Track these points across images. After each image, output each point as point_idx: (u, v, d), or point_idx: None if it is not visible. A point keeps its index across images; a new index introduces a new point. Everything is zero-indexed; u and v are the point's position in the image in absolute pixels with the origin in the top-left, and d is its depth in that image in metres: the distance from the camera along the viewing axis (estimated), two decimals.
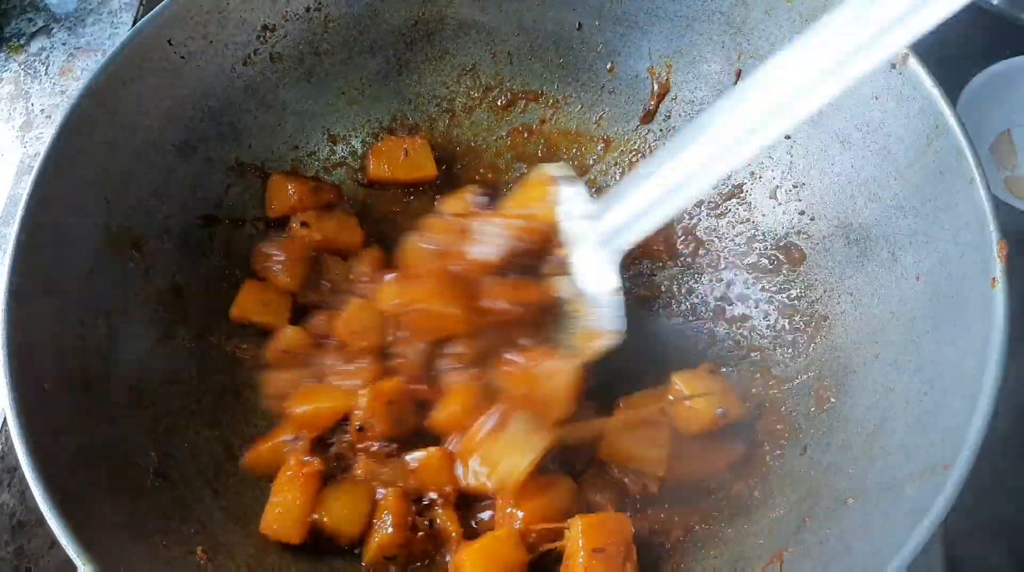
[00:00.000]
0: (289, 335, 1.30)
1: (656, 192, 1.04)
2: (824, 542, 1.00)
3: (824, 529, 1.02)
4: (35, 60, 1.63)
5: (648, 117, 1.44)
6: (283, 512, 1.14)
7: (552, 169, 1.20)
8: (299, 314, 1.33)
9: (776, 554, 1.04)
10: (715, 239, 1.40)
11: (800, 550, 1.02)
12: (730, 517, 1.14)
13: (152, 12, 1.23)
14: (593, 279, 1.11)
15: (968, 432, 0.89)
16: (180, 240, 1.30)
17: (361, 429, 1.18)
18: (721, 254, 1.38)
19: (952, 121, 1.05)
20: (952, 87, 1.45)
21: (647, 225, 1.07)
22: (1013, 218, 1.39)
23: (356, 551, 1.17)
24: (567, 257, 1.13)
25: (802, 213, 1.30)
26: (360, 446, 1.20)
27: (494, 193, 1.41)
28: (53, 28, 1.63)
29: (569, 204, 1.14)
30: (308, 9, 1.36)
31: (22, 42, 1.60)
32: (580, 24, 1.42)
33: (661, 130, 1.44)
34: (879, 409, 1.08)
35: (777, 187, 1.33)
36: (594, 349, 1.10)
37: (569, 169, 1.19)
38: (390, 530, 1.13)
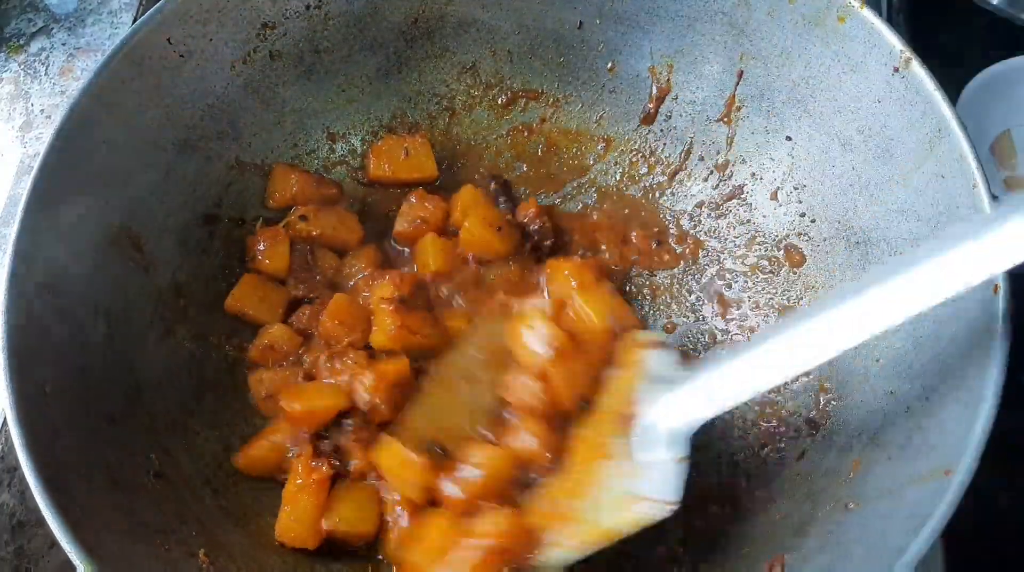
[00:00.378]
0: (274, 332, 1.30)
1: (743, 371, 0.99)
2: (824, 547, 1.01)
3: (824, 534, 1.02)
4: (35, 60, 1.62)
5: (649, 119, 1.44)
6: (297, 520, 1.15)
7: (647, 335, 1.16)
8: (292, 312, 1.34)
9: (776, 558, 1.04)
10: (715, 240, 1.40)
11: (800, 554, 1.03)
12: (730, 521, 1.15)
13: (151, 10, 1.22)
14: (657, 449, 1.03)
15: (969, 438, 0.90)
16: (180, 239, 1.29)
17: (365, 414, 1.20)
18: (721, 255, 1.38)
19: (954, 125, 1.05)
20: (952, 87, 1.45)
21: (729, 402, 1.01)
22: None
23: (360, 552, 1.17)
24: (635, 419, 1.06)
25: (803, 215, 1.30)
26: (355, 438, 1.20)
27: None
28: (53, 28, 1.62)
29: (655, 370, 1.10)
30: (308, 7, 1.35)
31: (22, 42, 1.59)
32: (581, 23, 1.41)
33: (662, 130, 1.44)
34: (879, 413, 1.08)
35: (778, 189, 1.33)
36: (638, 516, 1.00)
37: (661, 335, 1.16)
38: (406, 523, 1.14)
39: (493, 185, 1.45)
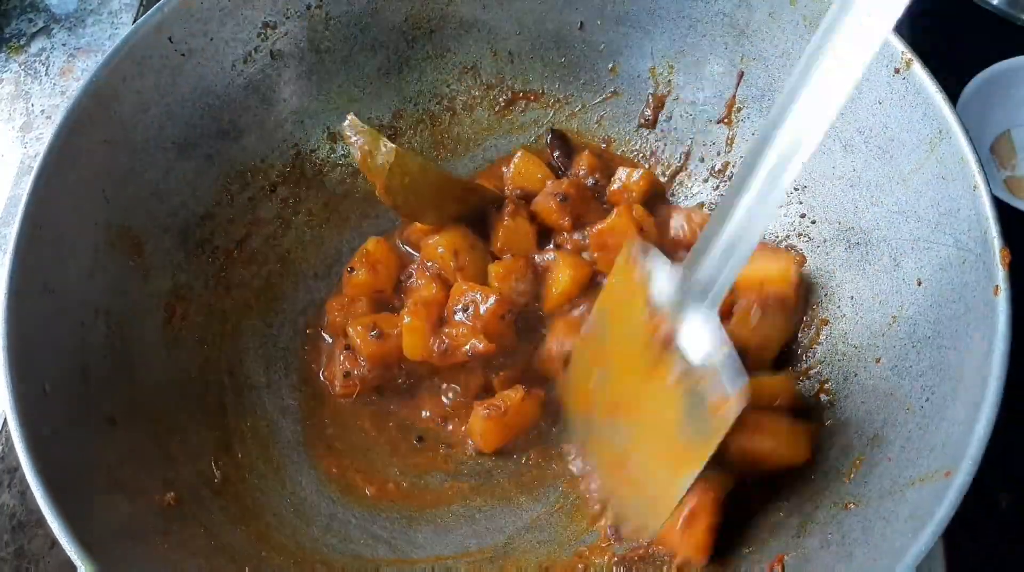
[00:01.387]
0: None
1: (727, 236, 0.98)
2: (825, 547, 1.01)
3: (825, 534, 1.02)
4: (35, 60, 1.62)
5: (649, 120, 1.44)
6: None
7: (635, 247, 1.13)
8: None
9: (777, 558, 1.04)
10: None
11: (801, 555, 1.03)
12: (730, 522, 1.14)
13: (152, 9, 1.22)
14: (702, 344, 1.02)
15: (970, 439, 0.89)
16: (180, 239, 1.29)
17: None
18: None
19: (955, 126, 1.05)
20: (952, 87, 1.45)
21: (731, 272, 0.99)
22: (1013, 218, 1.39)
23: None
24: (669, 334, 1.05)
25: (803, 216, 1.30)
26: None
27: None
28: (53, 28, 1.62)
29: (660, 279, 1.07)
30: (309, 7, 1.35)
31: (22, 42, 1.58)
32: (582, 23, 1.42)
33: (662, 131, 1.44)
34: (880, 414, 1.08)
35: None
36: (725, 418, 0.99)
37: (645, 244, 1.12)
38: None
39: (550, 137, 1.47)
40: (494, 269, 1.31)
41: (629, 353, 1.13)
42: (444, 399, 1.31)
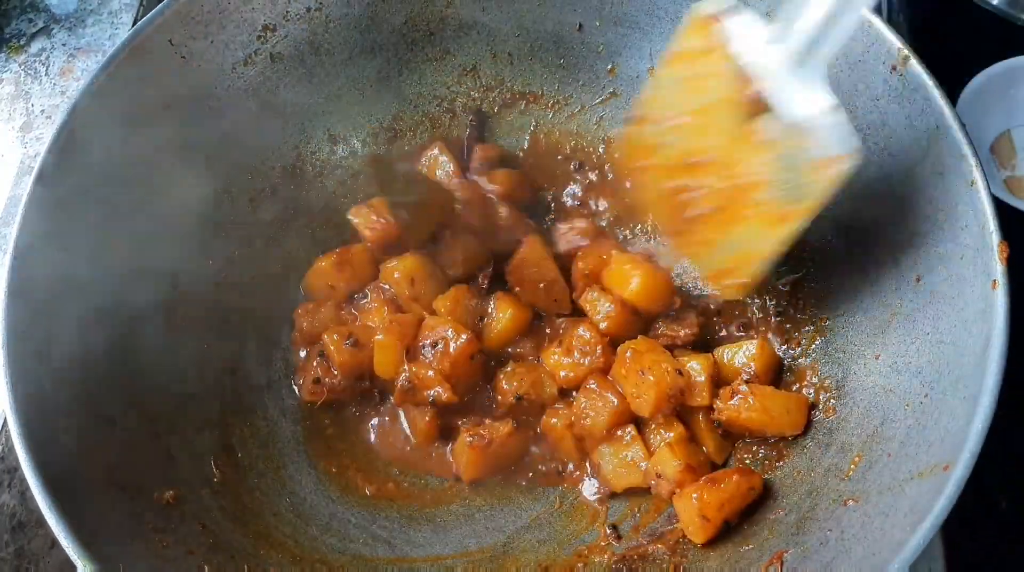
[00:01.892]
0: None
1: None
2: (824, 543, 1.00)
3: (824, 530, 1.02)
4: (35, 61, 1.63)
5: None
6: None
7: (709, 5, 1.05)
8: None
9: (776, 555, 1.04)
10: None
11: (800, 551, 1.02)
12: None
13: (153, 12, 1.23)
14: (804, 103, 0.97)
15: (968, 433, 0.89)
16: (181, 241, 1.30)
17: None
18: None
19: (953, 123, 1.05)
20: (952, 87, 1.45)
21: (843, 29, 0.95)
22: (1013, 218, 1.39)
23: None
24: (761, 94, 0.99)
25: None
26: None
27: None
28: (53, 29, 1.63)
29: (743, 38, 1.01)
30: (309, 9, 1.36)
31: (22, 42, 1.59)
32: (581, 25, 1.42)
33: None
34: (879, 410, 1.08)
35: None
36: (833, 177, 0.97)
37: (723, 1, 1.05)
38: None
39: (471, 118, 1.48)
40: (441, 302, 1.29)
41: (710, 115, 1.07)
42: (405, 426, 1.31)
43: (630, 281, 1.25)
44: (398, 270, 1.32)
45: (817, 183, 0.98)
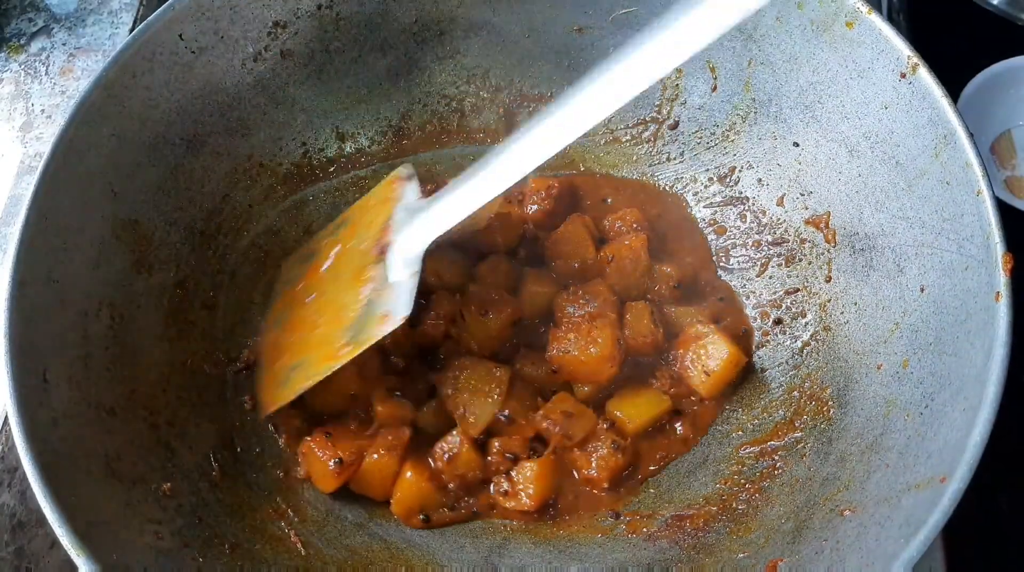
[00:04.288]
0: None
1: (468, 190, 1.14)
2: (819, 552, 1.00)
3: (820, 540, 1.01)
4: (35, 60, 1.63)
5: (656, 123, 1.44)
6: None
7: (404, 170, 1.32)
8: None
9: (771, 564, 1.03)
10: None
11: (795, 560, 1.02)
12: (726, 526, 1.14)
13: (164, 6, 1.23)
14: (400, 267, 1.18)
15: (967, 445, 0.89)
16: (186, 234, 1.31)
17: None
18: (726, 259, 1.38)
19: (960, 132, 1.04)
20: (952, 87, 1.45)
21: (451, 220, 1.16)
22: (1013, 218, 1.37)
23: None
24: (386, 247, 1.21)
25: (808, 221, 1.29)
26: None
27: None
28: (53, 28, 1.63)
29: (404, 199, 1.26)
30: (319, 7, 1.36)
31: (22, 42, 1.60)
32: (591, 26, 1.42)
33: (670, 134, 1.43)
34: (879, 420, 1.07)
35: (784, 195, 1.32)
36: (381, 331, 1.13)
37: (412, 170, 1.32)
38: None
39: None
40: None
41: (355, 253, 1.26)
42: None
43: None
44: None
45: (371, 331, 1.14)
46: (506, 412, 1.22)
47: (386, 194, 1.30)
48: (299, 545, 1.16)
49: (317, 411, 1.27)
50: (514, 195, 1.43)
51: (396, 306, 1.14)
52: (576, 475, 1.23)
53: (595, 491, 1.22)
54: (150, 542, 1.05)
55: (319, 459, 1.20)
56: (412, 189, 1.27)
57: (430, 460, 1.23)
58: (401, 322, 1.12)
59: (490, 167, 1.12)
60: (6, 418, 1.11)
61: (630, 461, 1.23)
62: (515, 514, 1.21)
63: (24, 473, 0.98)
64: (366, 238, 1.26)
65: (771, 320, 1.30)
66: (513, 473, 1.21)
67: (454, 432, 1.23)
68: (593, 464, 1.21)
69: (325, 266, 1.30)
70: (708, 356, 1.25)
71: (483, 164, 1.12)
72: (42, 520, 0.95)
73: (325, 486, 1.21)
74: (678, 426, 1.26)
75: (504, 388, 1.23)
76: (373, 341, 1.13)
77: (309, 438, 1.23)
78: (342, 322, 1.20)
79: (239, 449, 1.24)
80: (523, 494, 1.19)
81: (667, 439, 1.26)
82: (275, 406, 1.22)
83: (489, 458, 1.23)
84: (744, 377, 1.28)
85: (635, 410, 1.24)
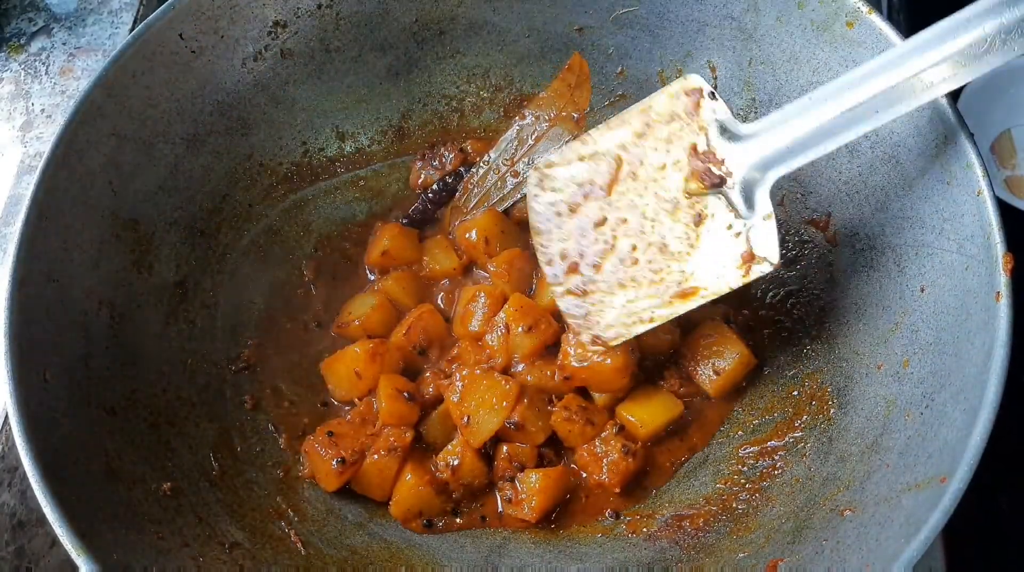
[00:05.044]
0: None
1: (819, 122, 1.03)
2: (819, 552, 1.00)
3: (820, 540, 1.01)
4: (35, 60, 1.63)
5: None
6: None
7: (699, 80, 1.13)
8: None
9: (771, 564, 1.03)
10: None
11: (795, 560, 1.02)
12: (726, 526, 1.14)
13: (164, 5, 1.23)
14: (750, 202, 1.09)
15: (967, 445, 0.88)
16: (187, 233, 1.30)
17: None
18: None
19: (961, 131, 1.04)
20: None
21: (804, 159, 1.06)
22: (1013, 218, 1.38)
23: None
24: (723, 176, 1.10)
25: (808, 221, 1.29)
26: None
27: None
28: (53, 28, 1.63)
29: (720, 122, 1.11)
30: (319, 6, 1.36)
31: (22, 42, 1.60)
32: (592, 26, 1.42)
33: None
34: (879, 420, 1.07)
35: (784, 195, 1.32)
36: (749, 274, 1.09)
37: (703, 82, 1.13)
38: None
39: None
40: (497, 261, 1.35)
41: (656, 170, 1.15)
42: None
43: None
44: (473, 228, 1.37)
45: (733, 274, 1.09)
46: (515, 418, 1.21)
47: (672, 109, 1.14)
48: (299, 545, 1.16)
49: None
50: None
51: (766, 250, 1.07)
52: (587, 479, 1.24)
53: (607, 496, 1.23)
54: (150, 542, 1.05)
55: (322, 458, 1.20)
56: (720, 107, 1.11)
57: (433, 469, 1.23)
58: (774, 268, 1.07)
59: (869, 85, 0.98)
60: (6, 418, 1.11)
61: (641, 465, 1.23)
62: (516, 522, 1.21)
63: (24, 473, 0.98)
64: (668, 160, 1.14)
65: (772, 320, 1.30)
66: (518, 481, 1.21)
67: (455, 441, 1.23)
68: (604, 469, 1.21)
69: (607, 182, 1.19)
70: (719, 356, 1.25)
71: (854, 80, 0.99)
72: (42, 519, 0.95)
73: (328, 485, 1.21)
74: (688, 431, 1.26)
75: (511, 401, 1.22)
76: (737, 285, 1.09)
77: (311, 437, 1.23)
78: (673, 259, 1.14)
79: (239, 449, 1.24)
80: (526, 505, 1.19)
81: (677, 442, 1.26)
82: (618, 342, 1.18)
83: (496, 463, 1.23)
84: (748, 378, 1.28)
85: (647, 415, 1.24)
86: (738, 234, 1.09)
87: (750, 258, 1.08)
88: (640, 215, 1.16)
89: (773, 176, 1.08)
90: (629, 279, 1.17)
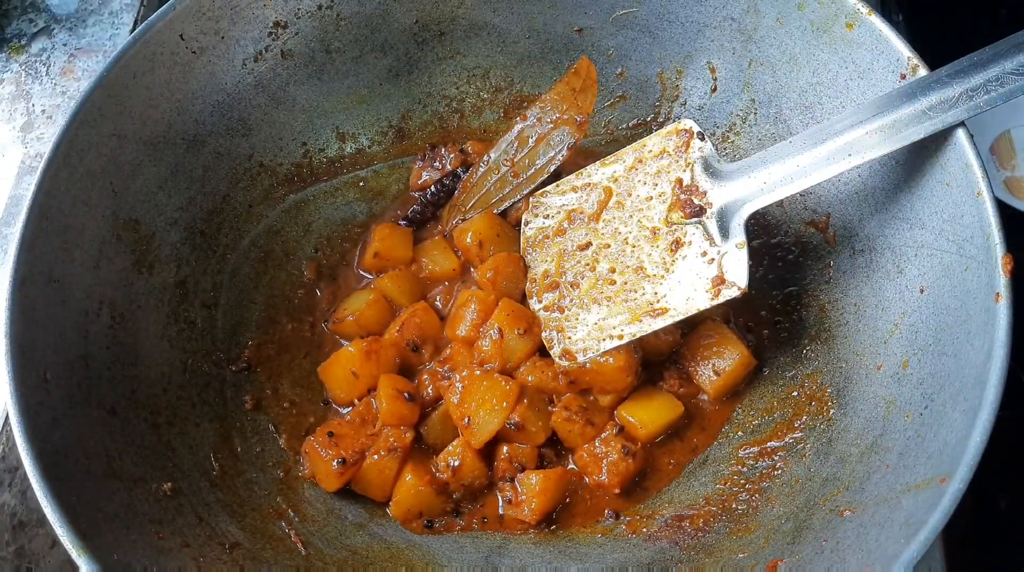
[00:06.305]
0: None
1: (785, 171, 1.13)
2: (819, 553, 1.00)
3: (820, 540, 1.01)
4: (36, 61, 1.63)
5: (657, 124, 1.44)
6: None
7: (691, 123, 1.25)
8: None
9: (771, 564, 1.03)
10: None
11: (795, 560, 1.02)
12: (726, 526, 1.14)
13: (165, 6, 1.23)
14: (725, 232, 1.17)
15: (967, 446, 0.89)
16: (187, 233, 1.31)
17: None
18: None
19: (960, 133, 1.04)
20: None
21: (776, 196, 1.14)
22: (1013, 218, 1.38)
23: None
24: (703, 207, 1.19)
25: (808, 222, 1.29)
26: None
27: None
28: (54, 29, 1.63)
29: (706, 159, 1.22)
30: (320, 7, 1.36)
31: (23, 43, 1.60)
32: (591, 27, 1.42)
33: None
34: (879, 421, 1.07)
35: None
36: (719, 297, 1.15)
37: (695, 125, 1.25)
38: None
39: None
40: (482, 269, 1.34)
41: (642, 206, 1.25)
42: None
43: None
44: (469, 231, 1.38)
45: (703, 297, 1.17)
46: (515, 418, 1.21)
47: (663, 147, 1.26)
48: (299, 545, 1.16)
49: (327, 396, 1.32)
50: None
51: (736, 276, 1.15)
52: (587, 480, 1.24)
53: (607, 496, 1.23)
54: (150, 542, 1.05)
55: (322, 458, 1.20)
56: (707, 147, 1.23)
57: (434, 469, 1.23)
58: (741, 293, 1.14)
59: (826, 145, 1.10)
60: (6, 418, 1.11)
61: (641, 466, 1.23)
62: (516, 523, 1.21)
63: (24, 473, 0.98)
64: (654, 193, 1.25)
65: (771, 321, 1.30)
66: (518, 483, 1.21)
67: (455, 442, 1.23)
68: (604, 470, 1.21)
69: (595, 211, 1.30)
70: (719, 356, 1.26)
71: (816, 137, 1.11)
72: (42, 520, 0.94)
73: (328, 485, 1.22)
74: (687, 431, 1.27)
75: (512, 402, 1.22)
76: (706, 307, 1.16)
77: (312, 437, 1.23)
78: (648, 281, 1.21)
79: (239, 449, 1.24)
80: (526, 506, 1.20)
81: (677, 443, 1.27)
82: (585, 356, 1.23)
83: (496, 464, 1.23)
84: (748, 379, 1.28)
85: (647, 416, 1.24)
86: (711, 260, 1.18)
87: (720, 282, 1.16)
88: (623, 241, 1.26)
89: (748, 210, 1.17)
90: (604, 297, 1.24)
